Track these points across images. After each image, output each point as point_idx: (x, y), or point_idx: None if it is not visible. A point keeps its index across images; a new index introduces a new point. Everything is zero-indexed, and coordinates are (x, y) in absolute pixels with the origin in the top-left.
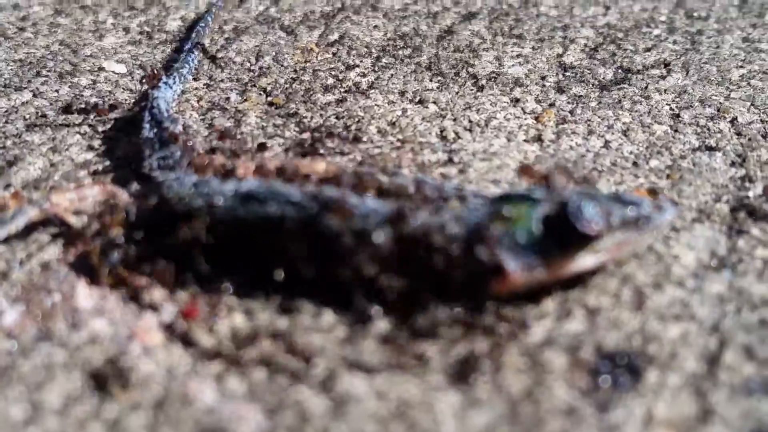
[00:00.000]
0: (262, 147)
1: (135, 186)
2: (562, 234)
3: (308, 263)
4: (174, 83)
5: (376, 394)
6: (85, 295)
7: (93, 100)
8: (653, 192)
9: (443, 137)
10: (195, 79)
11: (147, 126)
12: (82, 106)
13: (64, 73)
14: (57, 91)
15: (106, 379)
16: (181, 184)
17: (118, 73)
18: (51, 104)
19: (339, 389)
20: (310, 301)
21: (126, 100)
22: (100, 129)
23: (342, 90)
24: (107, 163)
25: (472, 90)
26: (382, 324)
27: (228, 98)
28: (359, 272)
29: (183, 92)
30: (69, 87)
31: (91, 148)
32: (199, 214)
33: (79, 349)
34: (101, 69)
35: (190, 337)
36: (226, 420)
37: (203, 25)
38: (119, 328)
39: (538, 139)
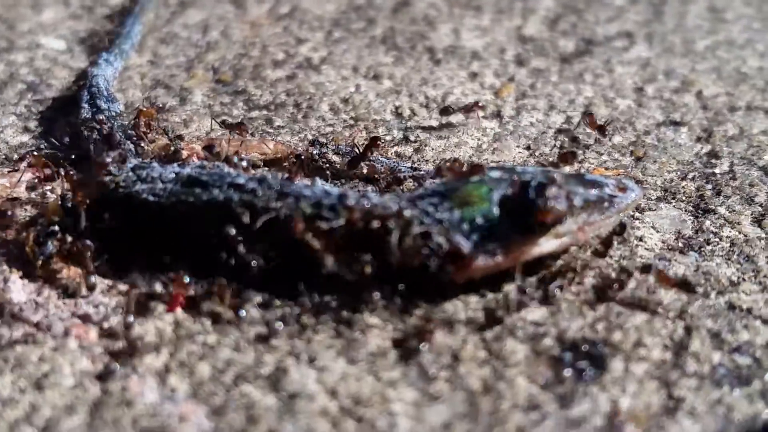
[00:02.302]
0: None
1: (72, 170)
2: (523, 217)
3: (255, 250)
4: (115, 60)
5: (328, 391)
6: (18, 288)
7: (30, 78)
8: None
9: (398, 114)
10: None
11: (86, 106)
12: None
13: (0, 49)
14: None
15: (40, 378)
16: (120, 168)
17: (57, 50)
18: None
19: (288, 386)
20: (258, 291)
21: (65, 78)
22: (36, 109)
23: (293, 65)
24: (43, 145)
25: (428, 64)
26: (335, 315)
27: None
28: (311, 259)
29: (125, 69)
30: (4, 65)
31: (26, 129)
32: (138, 200)
33: (12, 347)
34: (39, 45)
35: (130, 332)
36: (168, 421)
37: None
38: (55, 324)
39: (498, 115)
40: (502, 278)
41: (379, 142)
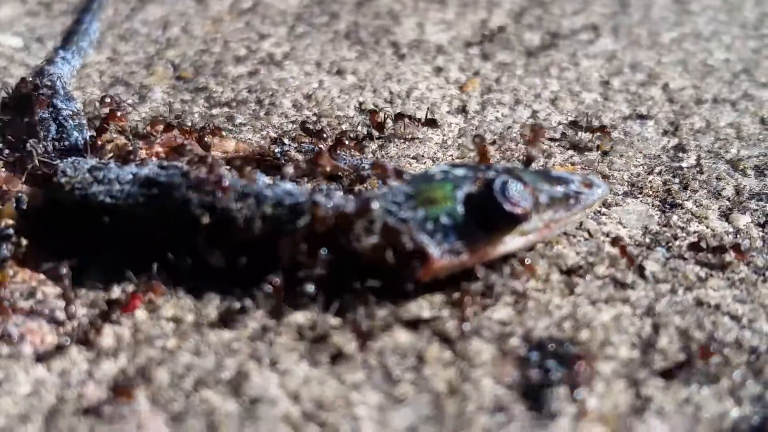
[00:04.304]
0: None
1: (28, 172)
2: (488, 215)
3: (215, 251)
4: (72, 58)
5: (290, 395)
6: None
7: None
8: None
9: (362, 110)
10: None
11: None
12: None
13: None
14: None
15: None
16: (76, 169)
17: (14, 48)
18: None
19: (250, 391)
20: (218, 293)
21: (21, 76)
22: None
23: (255, 61)
24: None
25: (392, 59)
26: (297, 317)
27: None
28: (272, 261)
29: (83, 66)
30: None
31: None
32: (95, 202)
33: None
34: None
35: (87, 337)
36: (126, 428)
37: None
38: (9, 329)
39: (463, 110)
40: (467, 277)
41: (344, 140)
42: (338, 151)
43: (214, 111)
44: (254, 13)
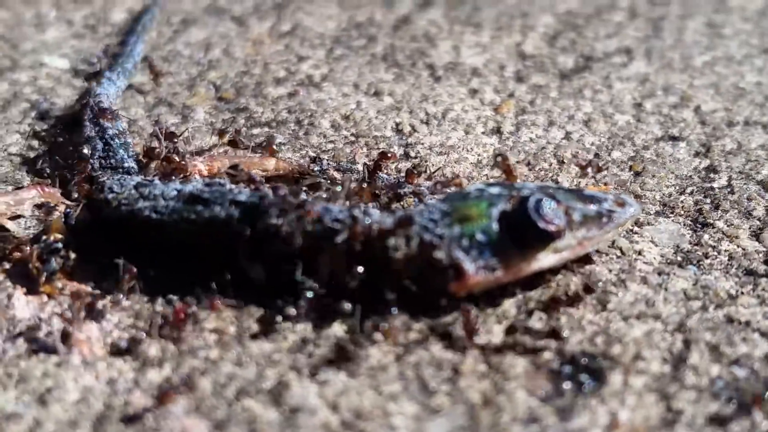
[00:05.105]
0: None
1: (76, 188)
2: (522, 232)
3: (257, 266)
4: (118, 78)
5: (329, 405)
6: (22, 304)
7: (34, 97)
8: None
9: (399, 130)
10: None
11: (89, 125)
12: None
13: (4, 69)
14: None
15: (44, 393)
16: (122, 185)
17: (60, 69)
18: None
19: (290, 400)
20: (260, 306)
21: (68, 96)
22: (40, 128)
23: (294, 83)
24: (47, 163)
25: (428, 81)
26: (335, 330)
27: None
28: (312, 275)
29: (128, 87)
30: (8, 84)
31: (30, 147)
32: (140, 218)
33: (16, 362)
34: (42, 64)
35: (133, 347)
36: None
37: (150, 17)
38: (58, 340)
39: (497, 131)
40: (501, 293)
41: (388, 155)
42: (377, 173)
43: (255, 131)
44: (293, 36)
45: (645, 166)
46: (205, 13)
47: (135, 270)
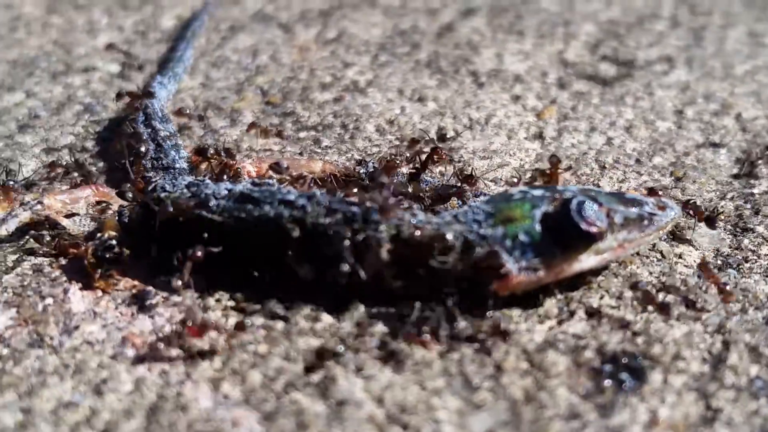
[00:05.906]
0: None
1: (129, 187)
2: (564, 234)
3: (305, 265)
4: (168, 83)
5: (375, 399)
6: (77, 298)
7: (87, 100)
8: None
9: (442, 135)
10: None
11: (141, 126)
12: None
13: (58, 73)
14: (50, 91)
15: (99, 384)
16: (174, 185)
17: (111, 73)
18: (44, 105)
19: (336, 394)
20: (307, 303)
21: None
22: (93, 130)
23: (340, 88)
24: (101, 164)
25: (471, 87)
26: (380, 327)
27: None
28: (358, 274)
29: (178, 92)
30: (63, 87)
31: (84, 149)
32: (192, 216)
33: (72, 354)
34: (95, 68)
35: (184, 341)
36: (221, 426)
37: (199, 23)
38: (112, 333)
39: (540, 136)
40: (543, 292)
41: (439, 150)
42: (425, 170)
43: (302, 134)
44: (339, 43)
45: (686, 172)
46: (253, 20)
47: (189, 265)
